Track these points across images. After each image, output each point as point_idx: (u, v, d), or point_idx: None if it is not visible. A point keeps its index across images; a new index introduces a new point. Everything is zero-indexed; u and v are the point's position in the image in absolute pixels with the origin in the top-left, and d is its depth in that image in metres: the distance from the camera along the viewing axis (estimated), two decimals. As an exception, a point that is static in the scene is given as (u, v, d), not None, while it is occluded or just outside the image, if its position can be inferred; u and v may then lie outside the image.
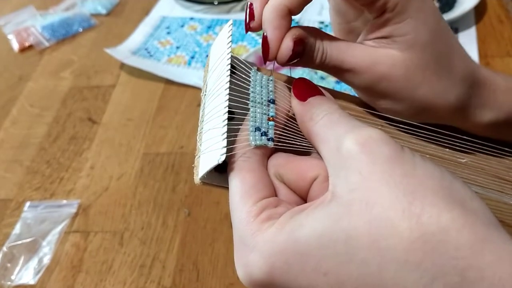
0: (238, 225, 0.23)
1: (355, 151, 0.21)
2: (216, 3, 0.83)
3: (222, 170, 0.25)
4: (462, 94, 0.29)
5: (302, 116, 0.25)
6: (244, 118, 0.25)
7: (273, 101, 0.26)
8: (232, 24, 0.27)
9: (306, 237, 0.20)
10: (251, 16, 0.27)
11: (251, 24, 0.27)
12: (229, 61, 0.25)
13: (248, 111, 0.25)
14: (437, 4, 0.76)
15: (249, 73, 0.26)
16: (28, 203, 0.58)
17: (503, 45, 0.69)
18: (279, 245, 0.21)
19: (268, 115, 0.25)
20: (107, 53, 0.75)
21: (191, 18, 0.83)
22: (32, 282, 0.50)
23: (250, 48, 0.74)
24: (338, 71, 0.28)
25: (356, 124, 0.23)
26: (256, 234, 0.22)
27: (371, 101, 0.30)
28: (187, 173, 0.58)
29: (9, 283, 0.50)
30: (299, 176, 0.24)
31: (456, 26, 0.72)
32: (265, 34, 0.26)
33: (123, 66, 0.75)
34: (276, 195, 0.24)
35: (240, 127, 0.25)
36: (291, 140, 0.25)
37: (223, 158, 0.22)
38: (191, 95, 0.69)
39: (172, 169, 0.59)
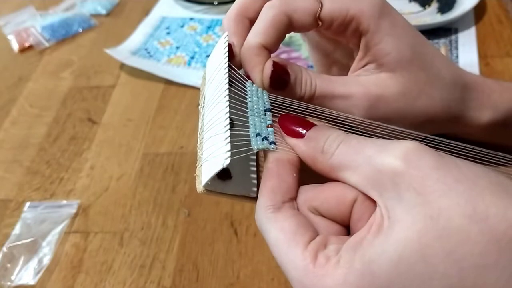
0: (297, 276, 0.22)
1: (400, 167, 0.20)
2: (216, 3, 0.83)
3: (225, 178, 0.25)
4: (457, 98, 0.29)
5: (311, 154, 0.24)
6: (243, 127, 0.25)
7: (269, 110, 0.26)
8: (227, 35, 0.28)
9: (384, 269, 0.20)
10: (231, 56, 0.27)
11: (233, 63, 0.27)
12: (227, 70, 0.26)
13: (246, 120, 0.25)
14: (436, 4, 0.77)
15: (245, 84, 0.27)
16: (28, 204, 0.58)
17: (502, 46, 0.69)
18: (355, 283, 0.20)
19: (266, 123, 0.26)
20: (107, 53, 0.75)
21: (191, 19, 0.83)
22: (32, 282, 0.50)
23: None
24: (331, 99, 0.28)
25: (382, 142, 0.22)
26: (324, 279, 0.21)
27: None
28: (187, 173, 0.58)
29: (9, 283, 0.50)
30: (338, 202, 0.23)
31: (456, 26, 0.72)
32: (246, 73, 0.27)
33: (123, 66, 0.75)
34: (317, 232, 0.23)
35: (241, 133, 0.25)
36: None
37: (228, 161, 0.22)
38: (191, 95, 0.69)
39: (172, 169, 0.59)
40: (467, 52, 0.68)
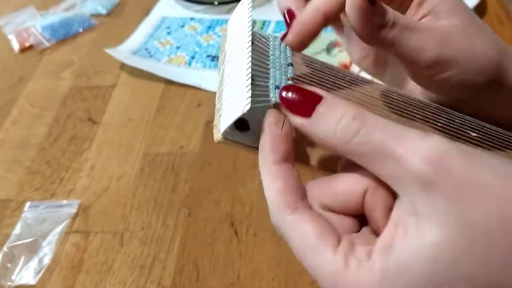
0: (330, 282, 0.21)
1: (429, 173, 0.19)
2: (216, 3, 0.83)
3: (243, 129, 0.25)
4: (502, 50, 0.30)
5: (321, 137, 0.22)
6: (264, 79, 0.25)
7: (291, 64, 0.26)
8: None
9: (418, 270, 0.20)
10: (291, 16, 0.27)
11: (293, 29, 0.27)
12: (250, 25, 0.26)
13: (268, 73, 0.25)
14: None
15: (268, 40, 0.27)
16: (28, 203, 0.58)
17: (503, 45, 0.69)
18: (391, 286, 0.20)
19: (287, 75, 0.25)
20: (107, 53, 0.75)
21: (191, 18, 0.83)
22: (32, 282, 0.50)
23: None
24: (412, 31, 0.27)
25: (408, 133, 0.21)
26: (360, 284, 0.20)
27: (433, 79, 0.29)
28: (187, 173, 0.58)
29: (9, 283, 0.50)
30: (349, 196, 0.23)
31: (456, 26, 0.72)
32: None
33: (123, 66, 0.75)
34: (337, 231, 0.23)
35: (261, 84, 0.25)
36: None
37: (248, 107, 0.22)
38: (191, 95, 0.69)
39: (172, 169, 0.59)
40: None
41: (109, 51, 0.75)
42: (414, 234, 0.20)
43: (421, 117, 0.28)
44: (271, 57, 0.26)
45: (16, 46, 0.83)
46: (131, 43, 0.79)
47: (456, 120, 0.28)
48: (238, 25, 0.28)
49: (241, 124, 0.24)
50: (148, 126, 0.66)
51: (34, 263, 0.52)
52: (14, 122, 0.70)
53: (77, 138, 0.66)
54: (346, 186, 0.23)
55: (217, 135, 0.25)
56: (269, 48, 0.27)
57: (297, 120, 0.22)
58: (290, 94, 0.23)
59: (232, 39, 0.28)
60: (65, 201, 0.57)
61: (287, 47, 0.28)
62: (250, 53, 0.25)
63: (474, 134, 0.27)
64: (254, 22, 0.25)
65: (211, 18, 0.82)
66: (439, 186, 0.19)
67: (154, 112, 0.67)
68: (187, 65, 0.74)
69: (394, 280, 0.20)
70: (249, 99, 0.22)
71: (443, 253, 0.19)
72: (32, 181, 0.61)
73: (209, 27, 0.81)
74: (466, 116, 0.28)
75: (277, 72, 0.25)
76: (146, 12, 0.86)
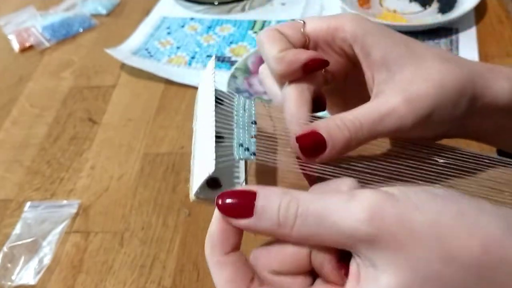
0: None
1: (368, 232, 0.21)
2: (216, 3, 0.83)
3: (215, 187, 0.26)
4: (470, 70, 0.29)
5: (268, 230, 0.23)
6: (230, 139, 0.27)
7: (255, 122, 0.28)
8: (215, 58, 0.31)
9: None
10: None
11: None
12: (214, 89, 0.28)
13: (232, 134, 0.27)
14: (437, 4, 0.77)
15: (233, 99, 0.29)
16: (28, 203, 0.58)
17: (503, 46, 0.69)
18: None
19: (251, 134, 0.27)
20: (108, 53, 0.75)
21: (192, 19, 0.83)
22: (32, 282, 0.50)
23: (250, 48, 0.74)
24: (380, 122, 0.27)
25: (335, 199, 0.22)
26: None
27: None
28: (188, 173, 0.58)
29: (9, 283, 0.50)
30: (294, 259, 0.23)
31: (456, 26, 0.72)
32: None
33: (123, 66, 0.75)
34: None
35: (227, 144, 0.26)
36: (273, 156, 0.27)
37: (212, 169, 0.24)
38: (192, 95, 0.69)
39: (172, 169, 0.59)
40: (467, 52, 0.68)
41: (109, 51, 0.75)
42: (374, 283, 0.21)
43: (382, 154, 0.29)
44: (235, 117, 0.28)
45: (16, 46, 0.83)
46: (131, 43, 0.79)
47: (424, 150, 0.29)
48: (204, 88, 0.29)
49: (213, 183, 0.26)
50: (148, 126, 0.66)
51: (34, 263, 0.52)
52: (14, 122, 0.70)
53: (77, 138, 0.66)
54: (291, 250, 0.23)
55: (191, 196, 0.26)
56: (233, 109, 0.28)
57: (241, 222, 0.23)
58: (226, 201, 0.23)
59: (201, 103, 0.30)
60: (65, 201, 0.57)
61: (253, 104, 0.29)
62: (214, 117, 0.26)
63: (441, 161, 0.29)
64: (216, 88, 0.27)
65: (211, 18, 0.82)
66: (381, 240, 0.21)
67: (154, 112, 0.67)
68: (187, 65, 0.74)
69: None
70: (214, 161, 0.24)
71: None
72: (32, 181, 0.61)
73: (209, 27, 0.81)
74: (436, 145, 0.30)
75: (240, 131, 0.27)
76: (146, 12, 0.86)
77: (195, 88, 0.69)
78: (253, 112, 0.28)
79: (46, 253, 0.52)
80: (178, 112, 0.67)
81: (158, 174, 0.59)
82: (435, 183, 0.28)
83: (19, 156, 0.65)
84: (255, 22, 0.80)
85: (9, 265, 0.52)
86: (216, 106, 0.27)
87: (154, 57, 0.76)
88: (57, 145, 0.65)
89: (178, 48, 0.77)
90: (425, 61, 0.28)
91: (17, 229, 0.55)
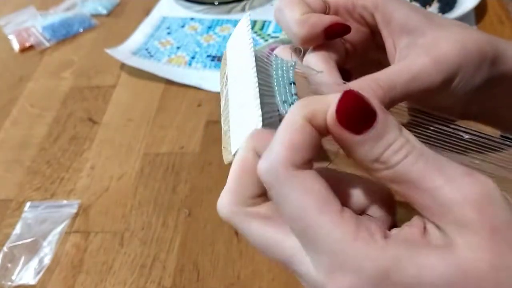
0: (332, 246, 0.19)
1: (473, 220, 0.19)
2: (216, 3, 0.83)
3: None
4: (494, 38, 0.30)
5: (364, 158, 0.20)
6: (270, 97, 0.26)
7: (293, 83, 0.27)
8: (249, 15, 0.29)
9: (430, 282, 0.18)
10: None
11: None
12: (253, 49, 0.27)
13: (273, 92, 0.26)
14: (437, 4, 0.76)
15: (271, 59, 0.28)
16: (28, 203, 0.58)
17: (503, 46, 0.69)
18: (396, 278, 0.18)
19: (292, 92, 0.26)
20: (108, 53, 0.75)
21: (192, 19, 0.83)
22: (32, 282, 0.50)
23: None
24: (413, 82, 0.27)
25: (451, 168, 0.20)
26: (370, 258, 0.19)
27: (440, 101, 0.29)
28: (188, 173, 0.58)
29: (9, 283, 0.50)
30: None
31: (457, 26, 0.72)
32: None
33: (123, 66, 0.75)
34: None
35: (268, 101, 0.25)
36: None
37: (260, 124, 0.23)
38: (192, 95, 0.69)
39: (172, 169, 0.59)
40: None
41: (109, 51, 0.75)
42: (441, 250, 0.19)
43: (408, 123, 0.29)
44: (275, 76, 0.27)
45: (16, 46, 0.83)
46: (131, 43, 0.79)
47: (450, 126, 0.29)
48: (238, 46, 0.28)
49: None
50: (149, 126, 0.66)
51: (34, 263, 0.52)
52: (14, 122, 0.70)
53: (77, 138, 0.66)
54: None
55: (228, 157, 0.25)
56: (272, 68, 0.28)
57: (345, 135, 0.20)
58: (350, 104, 0.20)
59: (234, 61, 0.28)
60: (65, 201, 0.57)
61: (290, 66, 0.28)
62: (256, 73, 0.25)
63: (467, 136, 0.28)
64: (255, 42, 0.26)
65: (212, 18, 0.83)
66: (481, 226, 0.19)
67: (155, 112, 0.67)
68: (187, 65, 0.74)
69: (402, 274, 0.19)
70: (260, 117, 0.23)
71: (467, 278, 0.18)
72: (32, 181, 0.61)
73: (210, 27, 0.81)
74: (461, 123, 0.29)
75: (281, 89, 0.26)
76: (146, 12, 0.86)
77: (196, 88, 0.69)
78: (291, 74, 0.28)
79: (46, 253, 0.52)
80: (178, 112, 0.67)
81: (158, 174, 0.59)
82: (462, 155, 0.28)
83: (19, 156, 0.65)
84: (255, 22, 0.80)
85: (9, 265, 0.52)
86: (256, 61, 0.26)
87: (154, 57, 0.76)
88: (57, 145, 0.65)
89: (178, 48, 0.77)
90: (445, 27, 0.29)
91: (17, 229, 0.55)
